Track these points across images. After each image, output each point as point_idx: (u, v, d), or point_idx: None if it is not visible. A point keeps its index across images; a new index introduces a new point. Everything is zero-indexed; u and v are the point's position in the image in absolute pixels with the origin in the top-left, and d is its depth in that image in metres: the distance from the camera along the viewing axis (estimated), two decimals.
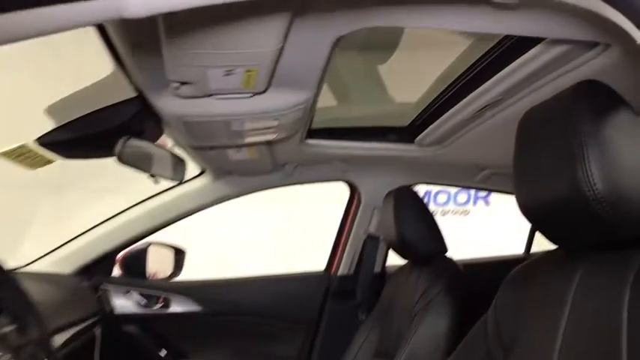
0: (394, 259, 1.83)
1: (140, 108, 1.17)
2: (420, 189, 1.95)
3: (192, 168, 1.75)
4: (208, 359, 1.99)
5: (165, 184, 1.68)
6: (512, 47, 1.03)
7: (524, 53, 0.98)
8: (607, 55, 0.90)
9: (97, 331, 1.66)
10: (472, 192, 4.68)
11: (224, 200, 1.96)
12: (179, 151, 1.51)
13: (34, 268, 1.75)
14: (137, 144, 1.28)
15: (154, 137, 1.34)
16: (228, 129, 1.23)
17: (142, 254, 1.87)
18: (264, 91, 1.07)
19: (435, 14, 0.83)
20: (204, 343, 1.99)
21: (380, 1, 0.80)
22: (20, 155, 1.16)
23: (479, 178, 2.07)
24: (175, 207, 1.89)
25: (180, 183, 1.79)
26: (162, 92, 1.04)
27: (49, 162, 1.24)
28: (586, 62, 0.94)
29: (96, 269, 1.84)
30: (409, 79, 1.52)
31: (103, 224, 1.83)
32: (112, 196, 2.07)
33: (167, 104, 1.09)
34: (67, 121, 1.16)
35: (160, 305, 1.90)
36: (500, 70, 1.07)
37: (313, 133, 1.61)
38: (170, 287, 1.94)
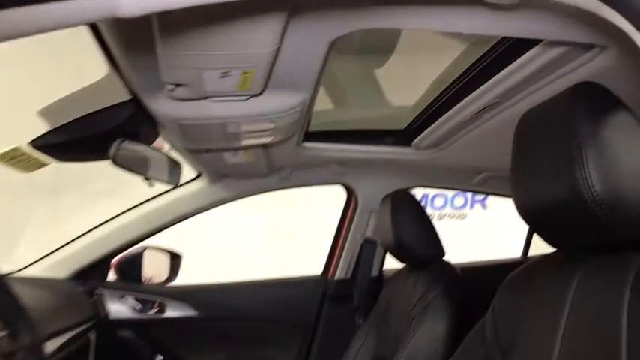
0: (391, 263, 1.82)
1: (135, 110, 1.16)
2: (417, 193, 1.94)
3: (188, 171, 1.74)
4: None
5: (160, 187, 1.67)
6: (509, 50, 1.02)
7: (521, 56, 0.98)
8: (604, 57, 0.90)
9: (92, 335, 1.65)
10: (469, 195, 4.68)
11: (220, 204, 1.95)
12: (175, 154, 1.51)
13: (28, 272, 1.74)
14: (132, 147, 1.27)
15: (149, 140, 1.33)
16: (224, 132, 1.22)
17: (137, 258, 1.85)
18: (260, 94, 1.06)
19: (432, 16, 0.82)
20: (200, 348, 1.98)
21: (376, 2, 0.80)
22: (13, 158, 1.15)
23: (476, 182, 2.07)
24: (171, 211, 1.88)
25: (176, 186, 1.77)
26: (157, 94, 1.03)
27: (43, 165, 1.22)
28: (583, 64, 0.94)
29: (91, 273, 1.82)
30: (406, 82, 1.52)
31: (99, 228, 1.82)
32: (108, 199, 2.06)
33: (162, 107, 1.08)
34: (61, 124, 1.15)
35: (156, 310, 1.89)
36: (497, 73, 1.06)
37: (310, 136, 1.61)
38: (166, 292, 1.92)
